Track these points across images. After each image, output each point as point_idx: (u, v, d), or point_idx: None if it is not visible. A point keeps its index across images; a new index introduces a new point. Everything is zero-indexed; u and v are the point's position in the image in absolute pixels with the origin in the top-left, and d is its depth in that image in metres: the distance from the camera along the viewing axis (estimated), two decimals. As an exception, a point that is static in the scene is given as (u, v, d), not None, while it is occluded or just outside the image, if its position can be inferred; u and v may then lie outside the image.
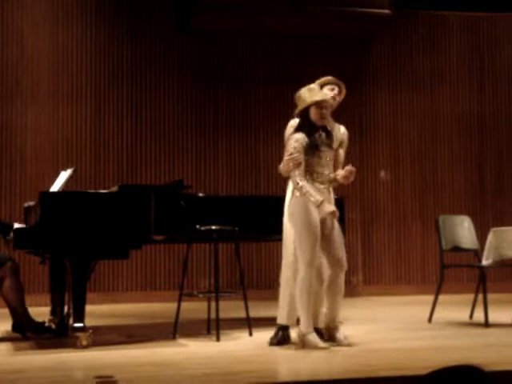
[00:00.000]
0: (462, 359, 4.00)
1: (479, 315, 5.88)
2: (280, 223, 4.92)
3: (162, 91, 8.84)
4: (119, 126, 8.68)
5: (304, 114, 4.69)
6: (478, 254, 6.21)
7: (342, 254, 4.73)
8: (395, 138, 9.51)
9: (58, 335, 5.24)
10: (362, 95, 9.35)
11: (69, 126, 8.51)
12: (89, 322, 4.80)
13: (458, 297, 7.67)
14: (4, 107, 8.34)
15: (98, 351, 4.56)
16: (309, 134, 4.65)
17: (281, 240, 4.97)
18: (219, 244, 5.18)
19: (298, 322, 4.90)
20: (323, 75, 5.20)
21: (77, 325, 4.69)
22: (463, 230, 6.29)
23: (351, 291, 8.64)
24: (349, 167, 4.71)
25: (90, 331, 4.72)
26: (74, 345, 4.65)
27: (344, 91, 5.11)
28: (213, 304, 5.14)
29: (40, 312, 5.48)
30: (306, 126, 4.68)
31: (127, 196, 4.95)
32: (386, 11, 8.87)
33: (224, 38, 9.04)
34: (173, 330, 5.16)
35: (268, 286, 8.31)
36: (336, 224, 4.74)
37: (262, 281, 8.62)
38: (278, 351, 4.56)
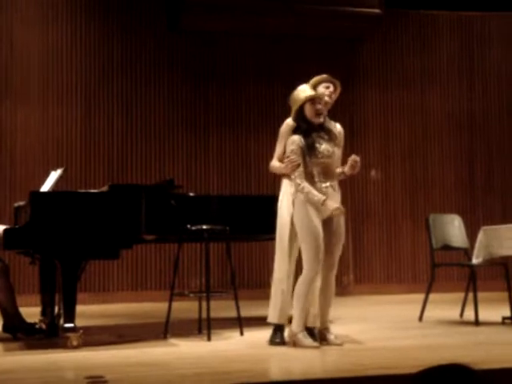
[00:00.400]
0: (453, 357, 4.02)
1: (469, 314, 5.90)
2: (271, 222, 4.91)
3: (152, 90, 8.83)
4: (109, 126, 8.66)
5: (299, 114, 4.69)
6: (468, 252, 6.22)
7: (336, 258, 4.74)
8: (386, 137, 9.54)
9: (48, 336, 5.22)
10: (352, 94, 9.37)
11: (59, 126, 8.49)
12: (79, 322, 4.78)
13: (449, 295, 7.69)
14: (-6, 107, 8.32)
15: (88, 351, 4.55)
16: (306, 135, 4.65)
17: (272, 239, 4.96)
18: (210, 243, 5.18)
19: (290, 320, 4.92)
20: (314, 74, 5.19)
21: (67, 325, 4.68)
22: (453, 228, 6.31)
23: (342, 290, 8.65)
24: (353, 157, 4.71)
25: (81, 331, 4.70)
26: (64, 345, 4.64)
27: (339, 89, 5.09)
28: (204, 304, 5.14)
29: (30, 312, 5.46)
30: (302, 127, 4.68)
31: (117, 196, 4.94)
32: (377, 11, 8.89)
33: (215, 37, 9.03)
34: (164, 329, 5.16)
35: (259, 286, 8.31)
36: (340, 226, 4.72)
37: (253, 280, 8.63)
38: (270, 350, 4.56)
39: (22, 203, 5.55)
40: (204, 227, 5.06)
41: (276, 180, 5.20)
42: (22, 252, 5.41)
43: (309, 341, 4.57)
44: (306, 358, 4.35)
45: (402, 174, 9.53)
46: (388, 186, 9.49)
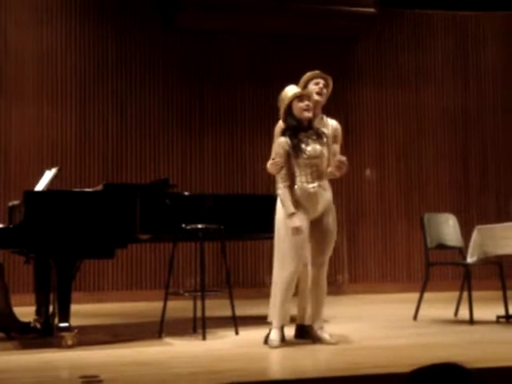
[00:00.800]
0: (448, 356, 4.03)
1: (464, 312, 5.92)
2: (266, 222, 4.91)
3: (147, 90, 8.82)
4: (104, 125, 8.65)
5: (288, 112, 4.70)
6: (462, 251, 6.24)
7: (327, 257, 4.74)
8: (380, 136, 9.55)
9: (43, 335, 5.22)
10: (347, 93, 9.37)
11: (53, 126, 8.47)
12: (74, 321, 4.77)
13: (443, 294, 7.70)
14: (-12, 106, 8.30)
15: (83, 351, 4.55)
16: (293, 135, 4.65)
17: (267, 238, 4.97)
18: (205, 243, 5.18)
19: (292, 320, 4.94)
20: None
21: (62, 324, 4.67)
22: (448, 227, 6.32)
23: (337, 289, 8.67)
24: (339, 157, 4.69)
25: (76, 331, 4.70)
26: (59, 344, 4.63)
27: (331, 84, 5.09)
28: (199, 303, 5.14)
29: (25, 312, 5.45)
30: (291, 125, 4.68)
31: (112, 195, 4.93)
32: (371, 10, 8.90)
33: (209, 36, 9.03)
34: (159, 328, 5.15)
35: (254, 285, 8.32)
36: (330, 226, 4.72)
37: (247, 279, 8.63)
38: (265, 349, 4.56)
39: (16, 202, 5.54)
40: (199, 226, 5.06)
41: (271, 179, 5.20)
42: (16, 251, 5.41)
43: (275, 340, 4.59)
44: (301, 358, 4.36)
45: (396, 172, 9.55)
46: (383, 185, 9.50)
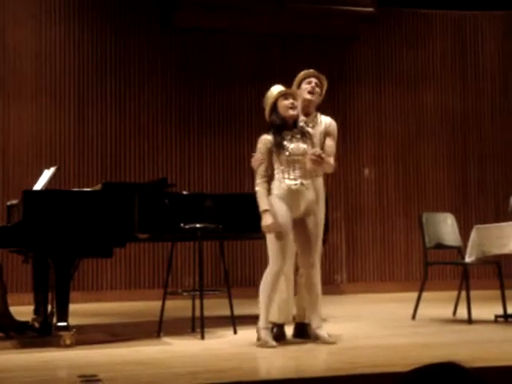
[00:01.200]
0: (446, 356, 4.03)
1: (462, 312, 5.92)
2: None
3: (145, 89, 8.82)
4: (103, 124, 8.65)
5: (273, 111, 4.72)
6: (461, 251, 6.24)
7: (315, 257, 4.73)
8: (379, 136, 9.55)
9: (41, 334, 5.21)
10: (345, 93, 9.38)
11: (52, 125, 8.47)
12: (72, 320, 4.77)
13: (442, 294, 7.71)
14: (-14, 105, 8.29)
15: (81, 350, 4.54)
16: (277, 133, 4.67)
17: (265, 238, 4.96)
18: (204, 242, 5.18)
19: (293, 318, 4.94)
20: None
21: (60, 324, 4.67)
22: (446, 227, 6.32)
23: (335, 289, 8.67)
24: (312, 151, 4.64)
25: (74, 330, 4.70)
26: (57, 344, 4.63)
27: (325, 83, 5.09)
28: (197, 302, 5.14)
29: (23, 311, 5.46)
30: (276, 123, 4.69)
31: (111, 194, 4.93)
32: (370, 9, 8.90)
33: (208, 35, 9.03)
34: (157, 328, 5.15)
35: (252, 284, 8.30)
36: (317, 225, 4.72)
37: (246, 278, 8.63)
38: (263, 349, 4.56)
39: (14, 202, 5.54)
40: (197, 226, 5.07)
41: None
42: (15, 250, 5.41)
43: (268, 339, 4.59)
44: (300, 356, 4.36)
45: (395, 172, 9.55)
46: (381, 185, 9.51)
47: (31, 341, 5.02)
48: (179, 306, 5.86)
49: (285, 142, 4.63)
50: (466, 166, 9.75)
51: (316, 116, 5.03)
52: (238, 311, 5.37)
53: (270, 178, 4.64)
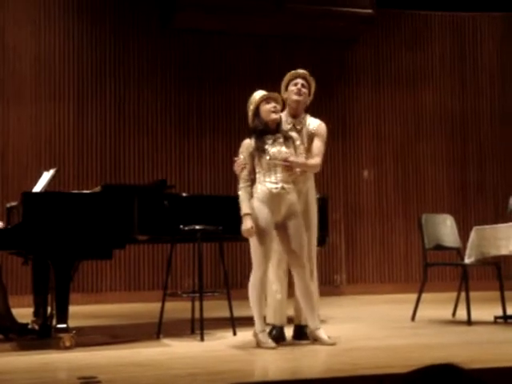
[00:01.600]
0: (445, 357, 4.03)
1: (462, 313, 5.92)
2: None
3: (145, 90, 8.82)
4: (102, 126, 8.65)
5: (256, 115, 4.73)
6: (460, 252, 6.24)
7: (302, 255, 4.70)
8: (378, 137, 9.56)
9: (41, 336, 5.22)
10: (345, 94, 9.38)
11: (52, 126, 8.47)
12: (72, 322, 4.77)
13: (441, 295, 7.71)
14: (-14, 107, 8.29)
15: (81, 352, 4.54)
16: (258, 137, 4.68)
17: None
18: (203, 244, 5.18)
19: (292, 320, 4.94)
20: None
21: (60, 326, 4.67)
22: (446, 228, 6.33)
23: (335, 290, 8.67)
24: (282, 156, 4.64)
25: (74, 332, 4.70)
26: (57, 346, 4.63)
27: (313, 83, 5.08)
28: (197, 304, 5.14)
29: (23, 313, 5.45)
30: (258, 127, 4.70)
31: (110, 196, 4.94)
32: (369, 11, 8.91)
33: (208, 36, 9.03)
34: (157, 330, 5.16)
35: (252, 286, 8.30)
36: (299, 229, 4.70)
37: (245, 280, 8.56)
38: (262, 350, 4.56)
39: (14, 203, 5.54)
40: (197, 227, 5.07)
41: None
42: (14, 252, 5.41)
43: (268, 341, 4.60)
44: (299, 358, 4.36)
45: (394, 173, 9.56)
46: (381, 186, 9.51)
47: (31, 343, 5.03)
48: (179, 308, 5.86)
49: (266, 146, 4.66)
50: (465, 166, 9.75)
51: (304, 118, 5.04)
52: (237, 313, 5.37)
53: (253, 182, 4.68)
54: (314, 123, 5.02)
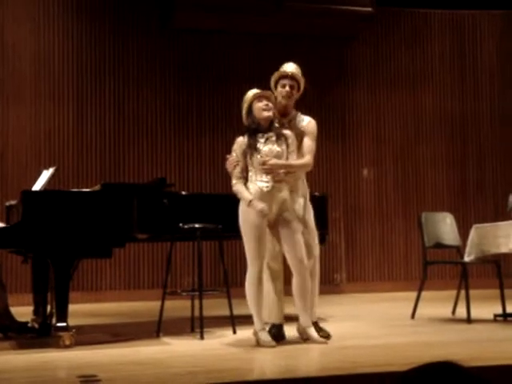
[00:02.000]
0: (445, 355, 4.03)
1: (462, 311, 5.92)
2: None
3: (144, 89, 8.82)
4: (102, 125, 8.64)
5: (249, 113, 4.77)
6: (460, 250, 6.25)
7: (299, 250, 4.69)
8: (378, 136, 9.55)
9: (40, 335, 5.22)
10: (344, 93, 9.37)
11: (51, 125, 8.46)
12: (72, 321, 4.77)
13: (441, 293, 7.71)
14: (-15, 106, 8.29)
15: (81, 350, 4.55)
16: (250, 135, 4.70)
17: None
18: (203, 242, 5.18)
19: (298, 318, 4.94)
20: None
21: (60, 324, 4.67)
22: (445, 226, 6.33)
23: (335, 288, 8.67)
24: (259, 160, 4.64)
25: (73, 330, 4.70)
26: (57, 344, 4.63)
27: (301, 81, 5.09)
28: (196, 302, 5.14)
29: (23, 312, 5.45)
30: (251, 126, 4.72)
31: (110, 195, 4.93)
32: (368, 9, 8.89)
33: (207, 36, 9.02)
34: (156, 328, 5.16)
35: (252, 284, 8.30)
36: (291, 222, 4.69)
37: (245, 279, 8.61)
38: (262, 348, 4.56)
39: (13, 202, 5.54)
40: (196, 226, 5.07)
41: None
42: (14, 251, 5.41)
43: (267, 339, 4.60)
44: (299, 356, 4.36)
45: (394, 173, 9.55)
46: (380, 185, 9.51)
47: (30, 341, 5.03)
48: (178, 306, 5.86)
49: (258, 145, 4.68)
50: (464, 166, 9.74)
51: (295, 116, 5.03)
52: (237, 311, 5.37)
53: (246, 180, 4.67)
54: (304, 121, 5.00)
